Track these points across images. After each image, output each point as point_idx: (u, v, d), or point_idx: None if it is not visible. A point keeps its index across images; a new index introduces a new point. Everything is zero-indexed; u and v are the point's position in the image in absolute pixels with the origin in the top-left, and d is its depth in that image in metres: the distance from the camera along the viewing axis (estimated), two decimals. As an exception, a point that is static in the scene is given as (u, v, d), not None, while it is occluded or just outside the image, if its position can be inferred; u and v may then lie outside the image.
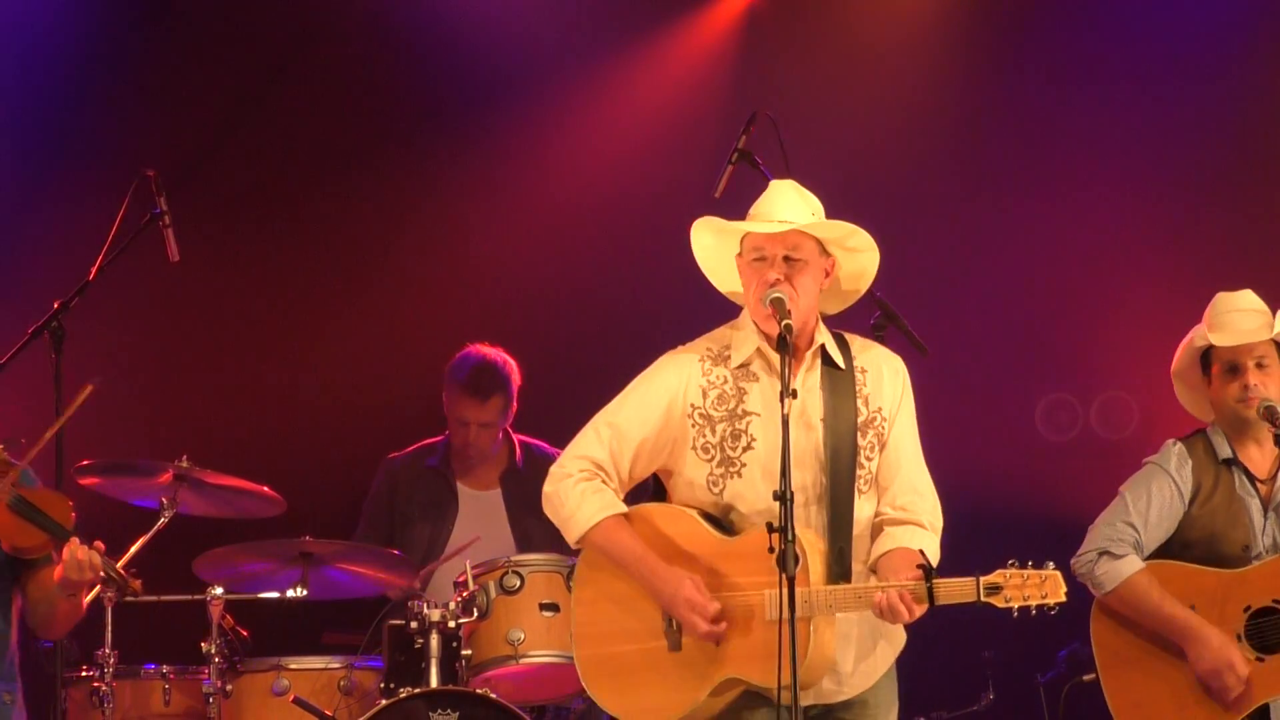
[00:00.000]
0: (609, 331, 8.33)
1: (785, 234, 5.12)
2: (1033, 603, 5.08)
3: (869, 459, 5.16)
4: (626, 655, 5.11)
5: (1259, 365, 6.20)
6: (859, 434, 5.14)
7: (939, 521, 5.28)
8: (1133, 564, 6.14)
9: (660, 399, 5.15)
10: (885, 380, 5.25)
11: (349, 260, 8.63)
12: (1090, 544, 6.21)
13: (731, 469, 5.11)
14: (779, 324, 5.01)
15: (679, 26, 8.82)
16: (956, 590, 5.06)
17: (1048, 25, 8.74)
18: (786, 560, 4.84)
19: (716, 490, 5.13)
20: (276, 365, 8.47)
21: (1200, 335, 6.28)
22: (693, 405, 5.14)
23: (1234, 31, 8.57)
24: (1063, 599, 5.12)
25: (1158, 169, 8.61)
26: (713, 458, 5.12)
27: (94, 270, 6.74)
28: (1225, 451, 6.28)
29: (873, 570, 5.15)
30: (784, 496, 4.87)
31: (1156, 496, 6.24)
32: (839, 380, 5.12)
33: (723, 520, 5.15)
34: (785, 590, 4.83)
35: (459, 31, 8.64)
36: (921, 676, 6.89)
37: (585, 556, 5.20)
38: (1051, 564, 5.10)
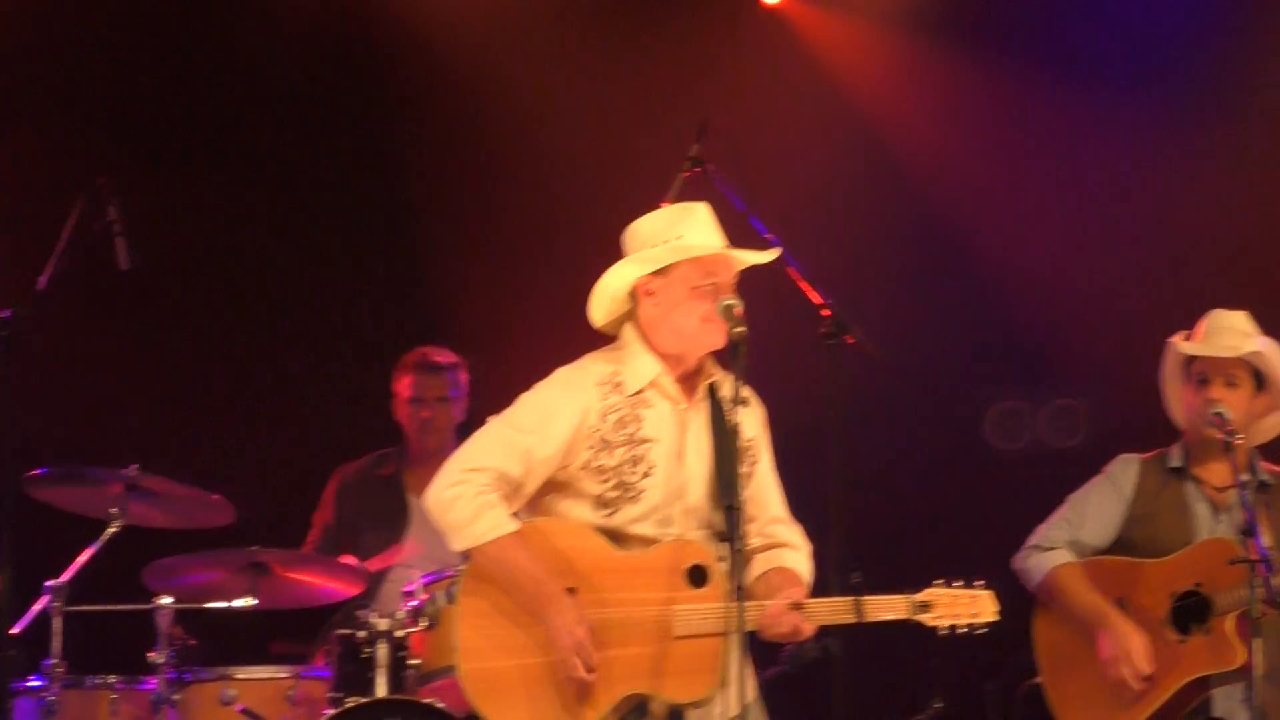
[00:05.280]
0: (572, 344, 8.30)
1: (732, 261, 5.16)
2: (961, 622, 5.09)
3: (744, 487, 5.15)
4: (518, 670, 5.02)
5: (1229, 383, 6.25)
6: (740, 462, 5.14)
7: (808, 544, 5.29)
8: (1058, 557, 6.28)
9: (568, 420, 5.11)
10: (752, 410, 5.24)
11: (302, 268, 8.59)
12: (1027, 542, 6.36)
13: (628, 494, 5.09)
14: (729, 332, 5.00)
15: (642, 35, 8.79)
16: (886, 606, 5.09)
17: (1021, 26, 8.70)
18: (736, 567, 4.83)
19: (606, 512, 5.10)
20: (228, 374, 8.45)
21: (1180, 340, 6.35)
22: (592, 428, 5.12)
23: (1223, 36, 8.51)
24: (993, 619, 5.12)
25: (1129, 176, 8.58)
26: (608, 480, 5.09)
27: (44, 279, 6.71)
28: (1175, 461, 6.37)
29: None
30: (731, 507, 4.89)
31: (1094, 496, 6.39)
32: (718, 410, 5.12)
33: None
34: (739, 600, 4.81)
35: (426, 31, 8.60)
36: (870, 683, 6.90)
37: (472, 568, 5.09)
38: (982, 582, 5.06)
